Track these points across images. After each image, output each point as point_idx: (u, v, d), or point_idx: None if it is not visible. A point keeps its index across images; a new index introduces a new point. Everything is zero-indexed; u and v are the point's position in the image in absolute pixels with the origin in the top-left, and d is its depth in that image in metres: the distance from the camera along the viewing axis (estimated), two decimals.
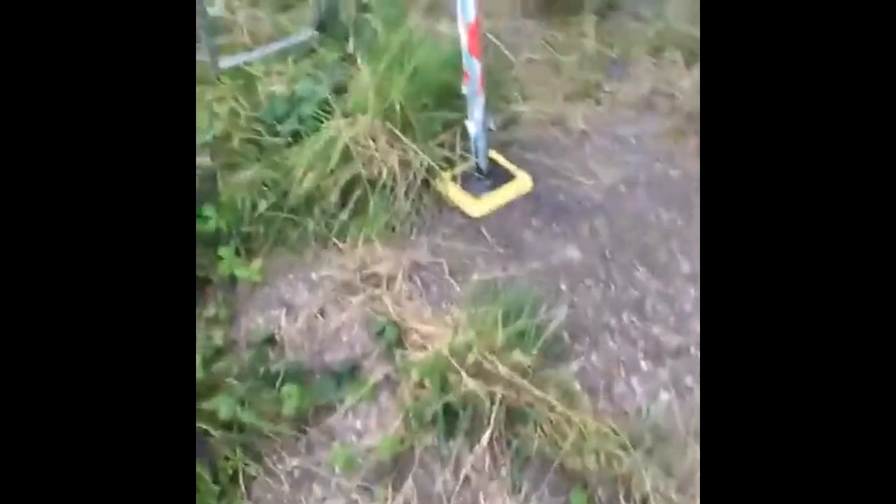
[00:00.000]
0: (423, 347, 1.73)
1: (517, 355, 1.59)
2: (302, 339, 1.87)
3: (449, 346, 1.64)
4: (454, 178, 2.22)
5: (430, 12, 2.92)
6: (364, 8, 2.89)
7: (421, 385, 1.65)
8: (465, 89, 2.07)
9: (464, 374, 1.56)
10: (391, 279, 1.97)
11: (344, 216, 2.12)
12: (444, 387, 1.59)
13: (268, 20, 2.88)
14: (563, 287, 1.91)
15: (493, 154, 2.27)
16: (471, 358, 1.59)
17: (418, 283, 1.97)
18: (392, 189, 2.14)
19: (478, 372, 1.58)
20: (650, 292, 1.87)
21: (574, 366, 1.70)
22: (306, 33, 2.68)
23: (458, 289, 1.94)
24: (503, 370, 1.56)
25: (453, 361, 1.58)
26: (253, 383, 1.71)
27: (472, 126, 2.12)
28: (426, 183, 2.18)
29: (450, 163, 2.23)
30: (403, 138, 2.17)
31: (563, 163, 2.27)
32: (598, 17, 2.72)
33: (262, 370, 1.77)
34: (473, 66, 2.01)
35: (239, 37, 2.81)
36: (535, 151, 2.31)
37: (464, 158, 2.24)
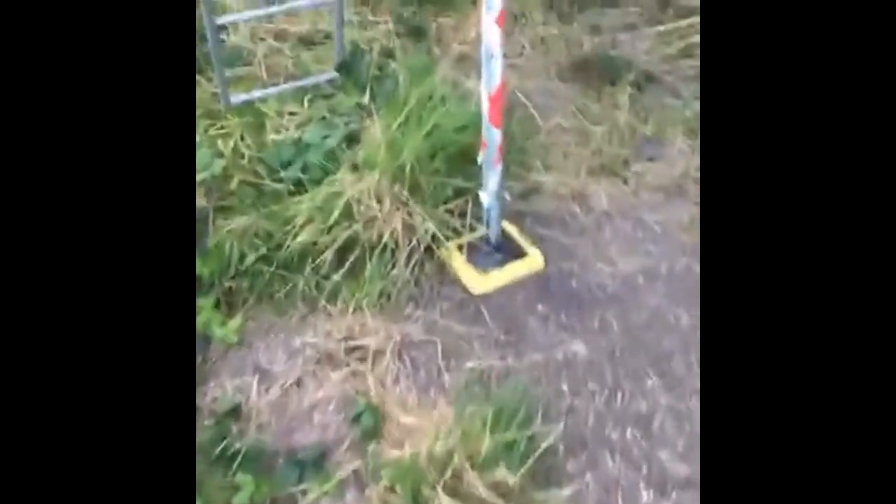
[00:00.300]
0: (401, 444, 1.54)
1: (501, 472, 1.40)
2: (271, 413, 1.69)
3: (428, 449, 1.45)
4: (460, 248, 2.05)
5: (459, 64, 2.78)
6: (389, 53, 2.75)
7: (392, 489, 1.46)
8: (481, 158, 1.91)
9: (439, 489, 1.36)
10: (378, 355, 1.79)
11: (337, 277, 1.95)
12: (416, 498, 1.40)
13: (290, 55, 2.74)
14: (564, 387, 1.72)
15: (506, 225, 2.10)
16: (450, 470, 1.39)
17: (407, 362, 1.79)
18: (392, 254, 1.97)
19: (455, 489, 1.39)
20: (660, 407, 1.67)
21: (566, 490, 1.49)
22: (326, 75, 2.54)
23: (448, 376, 1.75)
24: (483, 491, 1.37)
25: (430, 472, 1.39)
26: (205, 466, 1.52)
27: (486, 197, 1.95)
28: (429, 251, 2.01)
29: (457, 232, 2.06)
30: (411, 202, 2.01)
31: (579, 244, 2.09)
32: (634, 90, 2.55)
33: (220, 448, 1.59)
34: (492, 136, 1.85)
35: (257, 70, 2.68)
36: (552, 227, 2.14)
37: (473, 227, 2.08)
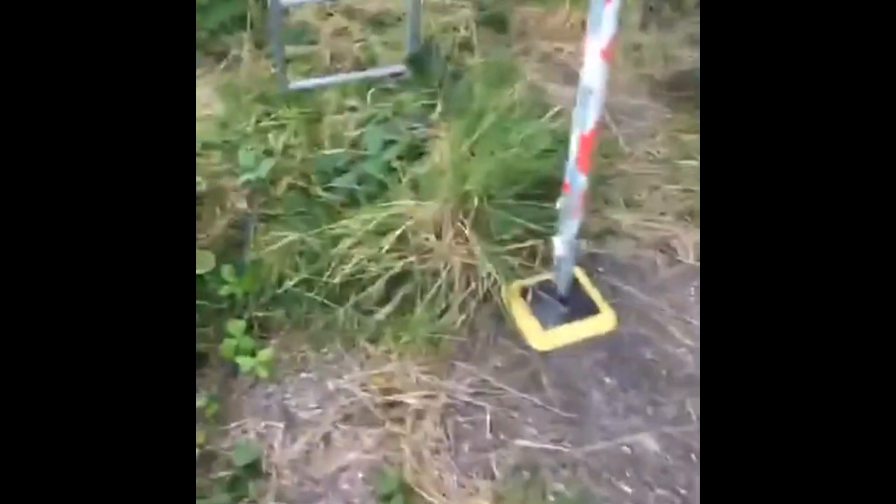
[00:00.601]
0: None
1: None
2: (293, 474, 1.49)
3: None
4: (524, 293, 1.80)
5: (544, 65, 2.48)
6: (465, 45, 2.46)
7: None
8: (559, 203, 1.64)
9: None
10: (419, 417, 1.57)
11: (382, 315, 1.73)
12: None
13: (357, 36, 2.48)
14: (628, 489, 1.48)
15: (578, 273, 1.83)
16: None
17: (450, 431, 1.56)
18: (446, 296, 1.73)
19: None
20: None
21: None
22: (394, 67, 2.27)
23: (495, 455, 1.52)
24: None
25: None
26: None
27: (560, 246, 1.68)
28: (488, 292, 1.76)
29: (520, 275, 1.80)
30: (474, 239, 1.75)
31: (659, 304, 1.81)
32: None
33: None
34: (578, 182, 1.57)
35: (320, 50, 2.42)
36: (628, 280, 1.86)
37: (539, 270, 1.82)
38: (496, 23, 2.64)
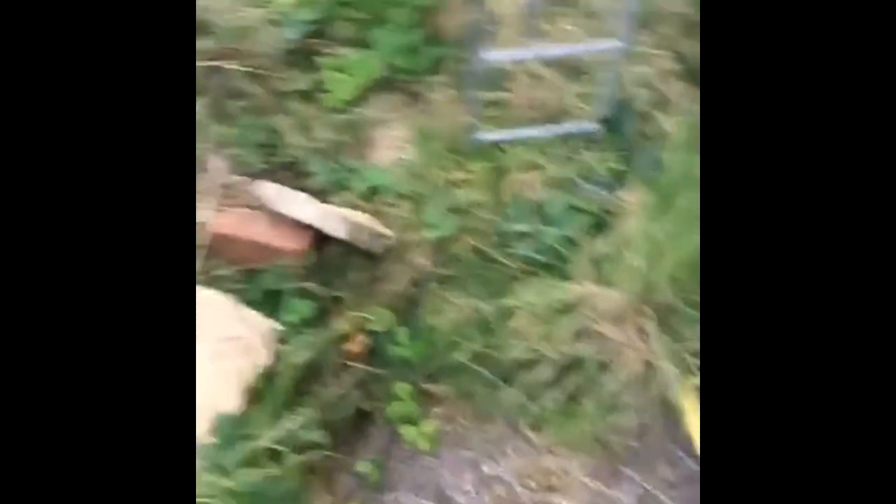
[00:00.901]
0: None
1: None
2: None
3: None
4: (699, 393, 1.53)
5: None
6: (660, 103, 2.17)
7: None
8: None
9: None
10: None
11: (549, 402, 1.54)
12: None
13: (552, 84, 2.26)
14: None
15: None
16: None
17: None
18: (619, 392, 1.50)
19: None
20: None
21: None
22: (586, 124, 2.04)
23: None
24: None
25: None
26: None
27: None
28: (664, 395, 1.52)
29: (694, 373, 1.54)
30: (655, 333, 1.51)
31: None
32: None
33: None
34: None
35: (514, 97, 2.23)
36: None
37: None
38: (696, 77, 2.31)
